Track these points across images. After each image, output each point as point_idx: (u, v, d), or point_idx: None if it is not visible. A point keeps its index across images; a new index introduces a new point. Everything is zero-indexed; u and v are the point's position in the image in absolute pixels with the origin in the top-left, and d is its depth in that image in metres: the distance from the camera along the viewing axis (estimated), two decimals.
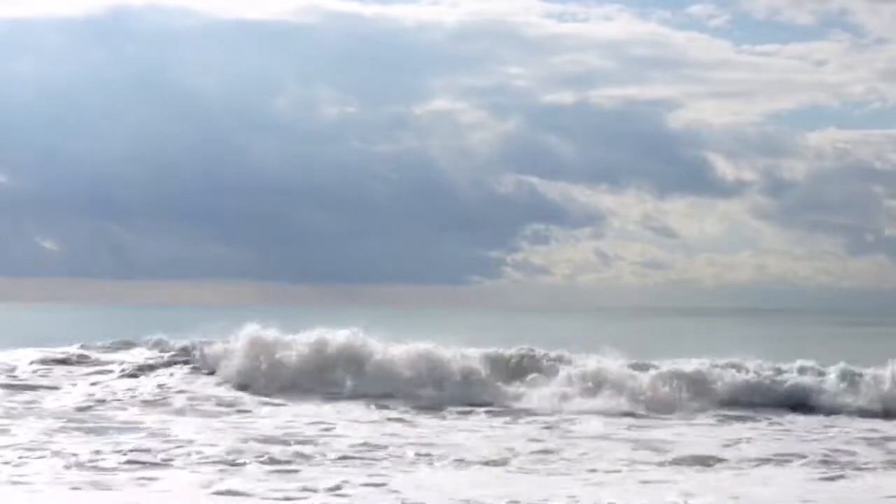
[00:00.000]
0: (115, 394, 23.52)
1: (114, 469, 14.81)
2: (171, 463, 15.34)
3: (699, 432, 19.55)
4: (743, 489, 13.91)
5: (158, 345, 28.51)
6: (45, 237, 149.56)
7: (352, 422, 20.14)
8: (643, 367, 25.08)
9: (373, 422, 20.45)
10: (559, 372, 24.80)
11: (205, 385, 24.89)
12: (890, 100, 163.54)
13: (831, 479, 15.03)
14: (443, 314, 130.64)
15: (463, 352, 25.77)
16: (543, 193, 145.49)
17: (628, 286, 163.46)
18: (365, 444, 17.26)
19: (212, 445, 16.58)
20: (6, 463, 14.88)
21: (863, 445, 18.31)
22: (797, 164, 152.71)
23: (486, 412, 21.94)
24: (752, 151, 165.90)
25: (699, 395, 23.83)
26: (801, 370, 25.50)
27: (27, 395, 23.11)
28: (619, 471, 15.33)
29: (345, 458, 16.06)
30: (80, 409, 21.23)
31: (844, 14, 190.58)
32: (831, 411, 23.03)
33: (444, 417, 21.32)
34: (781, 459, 16.63)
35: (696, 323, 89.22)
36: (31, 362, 26.88)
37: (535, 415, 21.60)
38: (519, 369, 25.51)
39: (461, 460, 16.02)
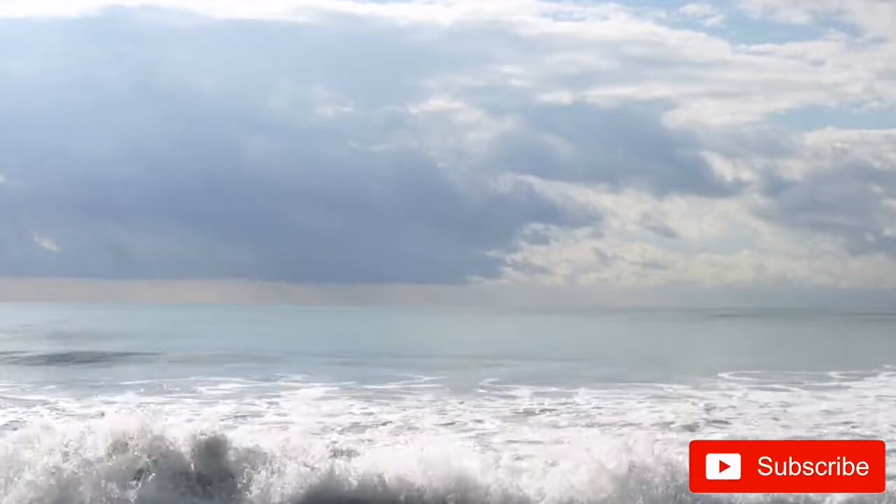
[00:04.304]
0: None
1: None
2: None
3: None
4: None
5: None
6: (43, 237, 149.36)
7: None
8: None
9: None
10: None
11: None
12: (887, 99, 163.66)
13: None
14: (442, 314, 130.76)
15: None
16: (542, 193, 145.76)
17: (628, 286, 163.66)
18: None
19: None
20: None
21: None
22: (795, 164, 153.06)
23: None
24: (749, 151, 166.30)
25: None
26: None
27: None
28: None
29: None
30: None
31: (841, 13, 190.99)
32: None
33: None
34: None
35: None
36: None
37: None
38: None
39: None
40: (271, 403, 24.46)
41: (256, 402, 24.81)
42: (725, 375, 33.44)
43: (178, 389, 27.58)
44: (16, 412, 21.96)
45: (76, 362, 38.45)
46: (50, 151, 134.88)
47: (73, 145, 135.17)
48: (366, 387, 28.66)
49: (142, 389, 27.65)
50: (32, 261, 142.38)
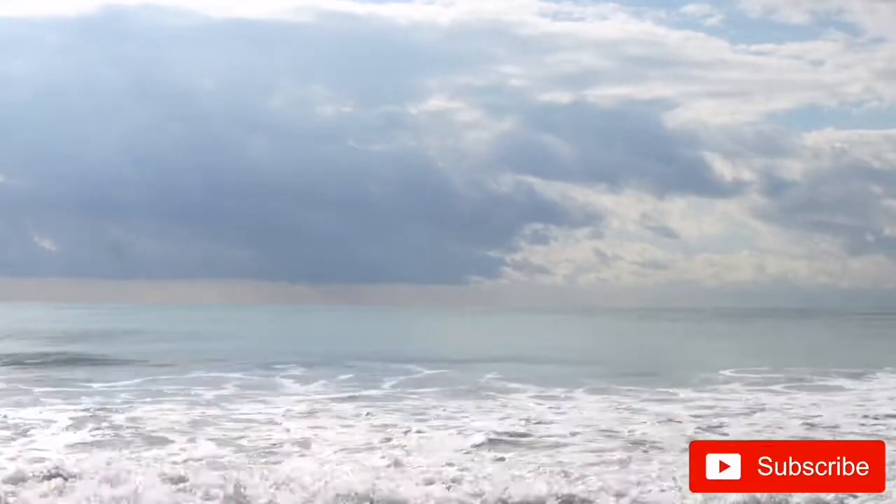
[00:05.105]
0: None
1: None
2: None
3: None
4: None
5: None
6: (42, 237, 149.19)
7: None
8: None
9: None
10: None
11: None
12: (887, 99, 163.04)
13: None
14: (442, 314, 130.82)
15: None
16: (542, 193, 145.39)
17: (628, 286, 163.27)
18: None
19: None
20: None
21: None
22: (795, 164, 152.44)
23: None
24: (749, 151, 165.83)
25: None
26: None
27: None
28: None
29: None
30: None
31: (840, 13, 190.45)
32: None
33: None
34: None
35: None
36: None
37: None
38: None
39: None
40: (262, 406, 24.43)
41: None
42: (727, 373, 33.48)
43: (172, 391, 27.55)
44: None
45: (72, 363, 38.40)
46: (50, 151, 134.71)
47: (73, 145, 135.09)
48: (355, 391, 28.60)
49: (137, 391, 27.60)
50: (32, 261, 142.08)
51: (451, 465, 15.55)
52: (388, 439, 18.54)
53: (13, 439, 18.20)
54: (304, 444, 17.87)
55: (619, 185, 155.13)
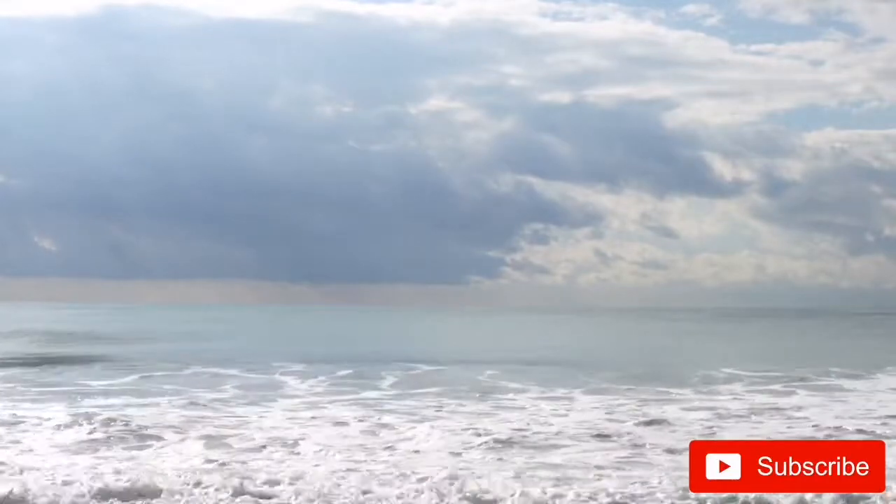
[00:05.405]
0: None
1: None
2: None
3: None
4: None
5: None
6: (43, 237, 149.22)
7: None
8: None
9: None
10: None
11: None
12: (887, 99, 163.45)
13: None
14: (442, 314, 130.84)
15: None
16: (542, 193, 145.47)
17: (628, 286, 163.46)
18: None
19: None
20: None
21: None
22: (795, 164, 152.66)
23: None
24: (749, 151, 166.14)
25: None
26: None
27: None
28: None
29: None
30: None
31: (841, 13, 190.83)
32: None
33: None
34: None
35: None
36: None
37: None
38: None
39: None
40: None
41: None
42: (727, 373, 33.45)
43: (170, 390, 27.47)
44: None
45: (71, 363, 38.35)
46: (50, 151, 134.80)
47: (73, 145, 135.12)
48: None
49: (135, 391, 27.53)
50: (32, 261, 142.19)
51: (449, 465, 15.51)
52: (387, 439, 18.50)
53: (3, 437, 18.18)
54: (302, 443, 17.82)
55: (619, 185, 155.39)
